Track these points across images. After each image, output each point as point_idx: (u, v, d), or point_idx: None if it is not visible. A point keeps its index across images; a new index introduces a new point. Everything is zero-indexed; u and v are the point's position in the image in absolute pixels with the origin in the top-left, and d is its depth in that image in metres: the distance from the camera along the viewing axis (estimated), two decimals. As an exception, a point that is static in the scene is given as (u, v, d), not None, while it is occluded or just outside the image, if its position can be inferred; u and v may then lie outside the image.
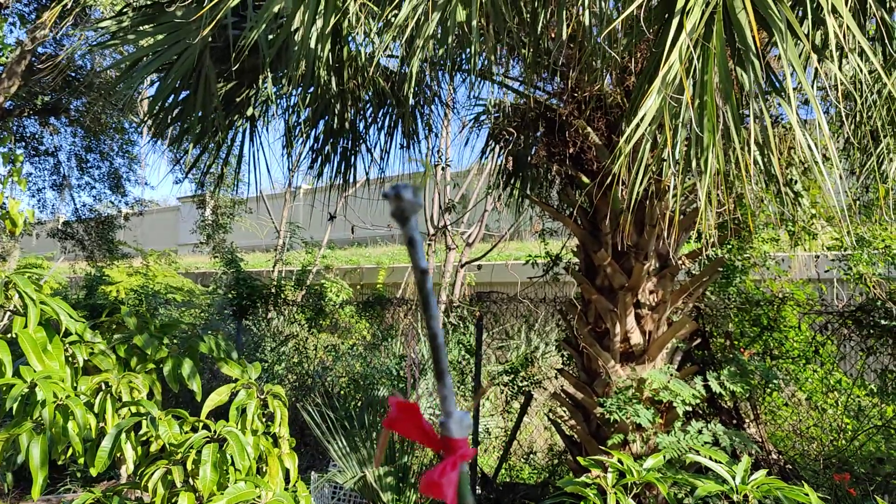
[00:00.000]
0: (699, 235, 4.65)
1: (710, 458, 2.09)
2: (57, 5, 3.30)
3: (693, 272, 4.62)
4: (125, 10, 3.53)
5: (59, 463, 3.53)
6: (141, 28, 3.57)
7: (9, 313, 3.01)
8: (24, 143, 11.62)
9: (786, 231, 4.67)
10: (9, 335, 2.79)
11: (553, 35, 3.26)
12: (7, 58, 9.28)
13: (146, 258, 11.23)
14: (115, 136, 11.57)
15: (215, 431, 2.44)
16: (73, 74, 10.41)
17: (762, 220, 4.80)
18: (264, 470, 2.72)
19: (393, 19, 2.81)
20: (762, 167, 3.15)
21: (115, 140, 11.70)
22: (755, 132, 2.40)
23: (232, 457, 2.40)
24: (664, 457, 3.50)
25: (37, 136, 11.79)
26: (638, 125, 2.12)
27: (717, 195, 2.91)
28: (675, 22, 1.93)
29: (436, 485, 0.34)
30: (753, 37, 1.92)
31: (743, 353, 4.33)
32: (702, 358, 4.59)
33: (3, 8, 9.56)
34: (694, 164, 2.32)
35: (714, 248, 4.60)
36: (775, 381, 4.10)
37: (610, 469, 2.03)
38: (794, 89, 2.57)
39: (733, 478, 1.98)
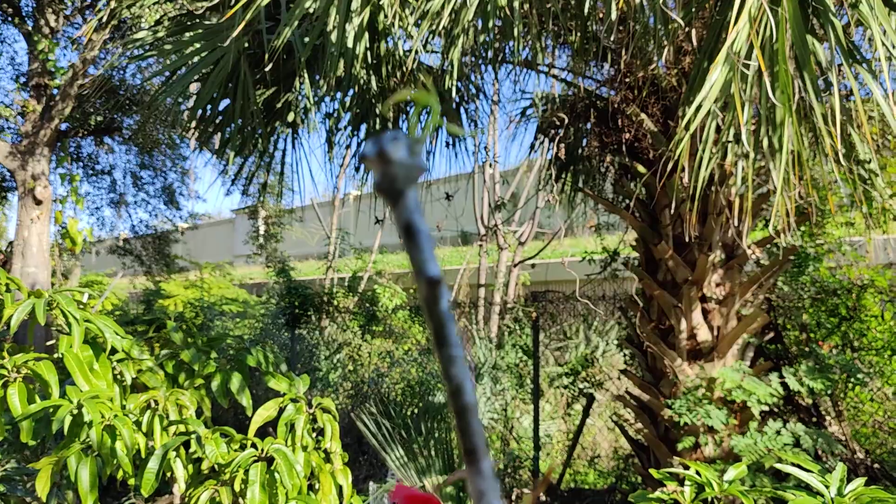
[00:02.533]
0: (767, 223, 4.37)
1: (799, 466, 1.88)
2: (94, 20, 3.27)
3: (762, 262, 4.35)
4: (161, 19, 3.49)
5: (120, 479, 3.50)
6: (177, 38, 3.51)
7: (56, 332, 2.98)
8: (81, 164, 11.91)
9: (860, 214, 4.35)
10: (55, 355, 2.75)
11: (601, 16, 3.07)
12: (60, 81, 9.50)
13: (202, 271, 11.37)
14: (167, 151, 11.77)
15: (263, 450, 2.34)
16: (123, 92, 10.62)
17: (834, 203, 4.50)
18: (317, 487, 2.61)
19: (430, 9, 2.67)
20: (831, 145, 2.90)
21: (166, 156, 11.90)
22: (833, 106, 2.17)
23: (281, 476, 2.29)
24: (738, 458, 3.26)
25: (92, 156, 12.08)
26: (701, 104, 1.93)
27: (791, 177, 2.68)
28: (742, -19, 1.73)
29: None
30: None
31: (821, 347, 4.04)
32: (776, 353, 4.31)
33: (55, 32, 9.80)
34: (766, 142, 2.11)
35: (785, 236, 4.32)
36: (858, 376, 3.81)
37: (687, 482, 1.85)
38: (880, 58, 2.33)
39: (828, 488, 1.77)
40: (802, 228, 4.46)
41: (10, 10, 10.54)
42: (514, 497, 5.22)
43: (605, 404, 6.11)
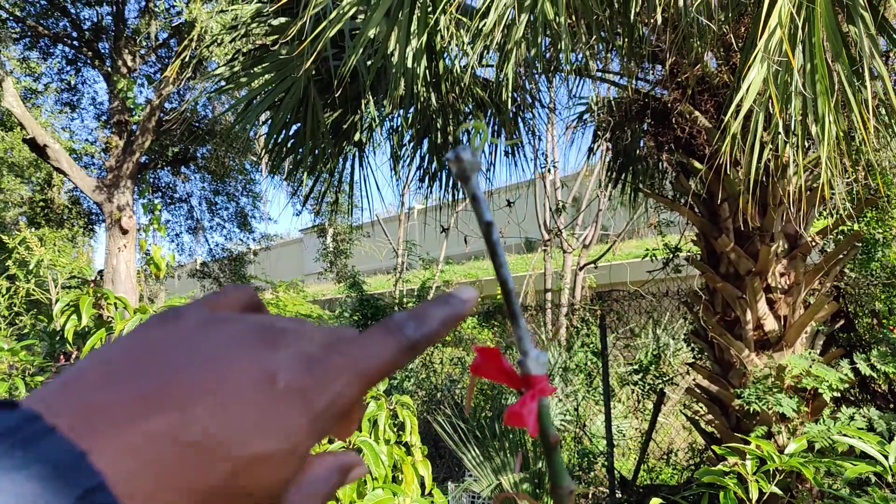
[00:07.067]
0: (832, 211, 4.36)
1: (858, 439, 1.95)
2: (177, 59, 3.59)
3: (827, 250, 4.35)
4: (235, 55, 3.79)
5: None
6: (250, 71, 3.80)
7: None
8: (160, 193, 12.60)
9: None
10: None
11: (647, 21, 3.20)
12: (139, 116, 10.12)
13: (276, 289, 11.83)
14: (239, 177, 12.32)
15: (350, 442, 2.54)
16: (197, 124, 11.21)
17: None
18: (399, 478, 2.80)
19: (483, 28, 2.85)
20: (886, 129, 2.93)
21: (238, 181, 12.46)
22: (879, 91, 2.25)
23: (368, 465, 2.49)
24: (813, 446, 3.29)
25: (171, 185, 12.75)
26: (742, 99, 2.04)
27: (844, 164, 2.73)
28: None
29: (517, 415, 0.36)
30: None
31: (894, 332, 4.01)
32: (847, 340, 4.29)
33: (132, 71, 10.44)
34: (814, 130, 2.20)
35: (849, 223, 4.30)
36: (934, 359, 3.76)
37: (749, 456, 1.94)
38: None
39: (886, 458, 1.84)
40: (869, 214, 4.43)
41: (90, 53, 11.28)
42: (589, 495, 5.31)
43: (679, 401, 6.13)
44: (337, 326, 0.36)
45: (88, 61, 11.50)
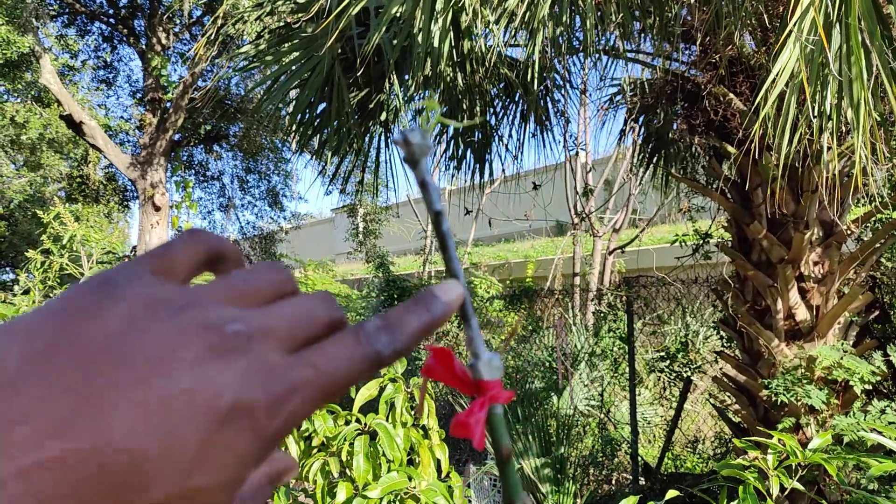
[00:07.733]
0: (871, 199, 4.22)
1: (885, 435, 1.88)
2: (203, 36, 3.58)
3: (863, 238, 4.21)
4: (262, 33, 3.77)
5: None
6: (277, 48, 3.78)
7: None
8: (193, 171, 12.74)
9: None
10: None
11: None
12: (173, 94, 10.21)
13: (305, 268, 11.92)
14: (270, 155, 12.40)
15: (366, 424, 2.54)
16: (229, 102, 11.28)
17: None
18: (417, 461, 2.79)
19: (507, 7, 2.79)
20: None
21: (270, 159, 12.53)
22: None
23: (383, 448, 2.48)
24: (841, 439, 3.20)
25: (203, 163, 12.89)
26: (775, 81, 1.95)
27: (882, 150, 2.62)
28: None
29: (463, 424, 0.32)
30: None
31: (931, 325, 3.88)
32: (882, 332, 4.17)
33: (166, 49, 10.52)
34: (849, 114, 2.11)
35: (886, 212, 4.16)
36: (973, 354, 3.64)
37: (770, 450, 1.89)
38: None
39: (917, 458, 1.77)
40: (909, 203, 4.28)
41: (125, 30, 11.39)
42: (613, 480, 5.27)
43: (706, 390, 6.04)
44: (312, 301, 0.31)
45: (124, 39, 11.63)
